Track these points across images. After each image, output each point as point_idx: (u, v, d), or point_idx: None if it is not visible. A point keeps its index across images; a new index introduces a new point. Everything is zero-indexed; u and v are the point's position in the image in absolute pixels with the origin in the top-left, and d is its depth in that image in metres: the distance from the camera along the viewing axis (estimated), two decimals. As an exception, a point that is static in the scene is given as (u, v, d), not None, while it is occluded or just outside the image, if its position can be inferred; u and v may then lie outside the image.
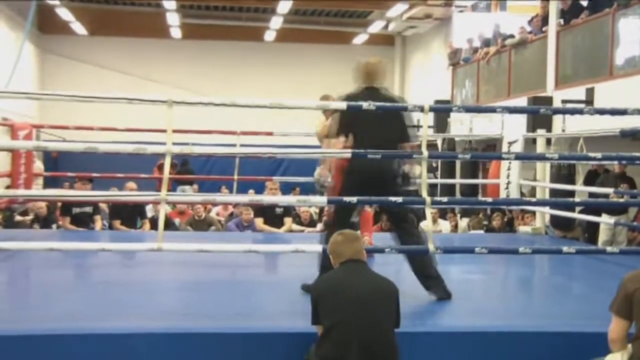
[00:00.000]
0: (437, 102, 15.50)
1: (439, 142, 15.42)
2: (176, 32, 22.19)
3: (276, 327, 4.25)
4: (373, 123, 5.25)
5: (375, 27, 21.62)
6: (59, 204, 10.41)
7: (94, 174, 9.78)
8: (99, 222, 9.51)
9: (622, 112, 5.34)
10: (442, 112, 14.41)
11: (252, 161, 13.38)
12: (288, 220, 9.65)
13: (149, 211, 10.57)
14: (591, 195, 9.00)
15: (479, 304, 5.23)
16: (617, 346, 3.67)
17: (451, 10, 19.31)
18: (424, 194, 5.25)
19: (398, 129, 5.31)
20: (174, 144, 5.15)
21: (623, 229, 9.58)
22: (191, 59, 22.51)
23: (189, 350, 4.07)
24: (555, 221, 9.79)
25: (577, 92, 11.29)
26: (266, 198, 7.19)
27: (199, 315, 4.64)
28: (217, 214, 12.09)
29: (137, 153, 5.32)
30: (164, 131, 5.21)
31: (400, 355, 3.83)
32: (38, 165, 13.15)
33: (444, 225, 11.29)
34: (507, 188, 9.40)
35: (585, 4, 12.12)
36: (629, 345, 3.67)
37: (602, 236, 9.62)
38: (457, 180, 11.69)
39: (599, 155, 5.46)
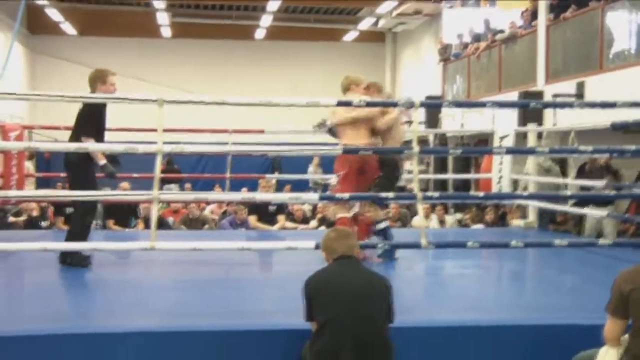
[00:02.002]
0: (428, 97, 15.53)
1: (431, 138, 15.45)
2: (166, 32, 22.16)
3: (271, 324, 4.26)
4: None
5: (365, 24, 21.62)
6: (48, 204, 10.42)
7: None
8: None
9: (612, 105, 5.38)
10: (432, 107, 14.44)
11: (244, 159, 13.38)
12: (281, 218, 9.67)
13: (143, 211, 10.56)
14: (582, 189, 9.03)
15: (473, 298, 5.25)
16: (614, 345, 3.69)
17: (441, 6, 19.31)
18: (416, 189, 5.27)
19: None
20: (165, 143, 5.16)
21: (610, 221, 9.61)
22: (182, 58, 22.47)
23: (183, 348, 4.07)
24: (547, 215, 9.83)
25: (568, 86, 11.33)
26: (259, 196, 7.20)
27: (193, 314, 4.65)
28: (212, 212, 12.09)
29: (128, 152, 5.33)
30: (155, 130, 5.21)
31: (394, 351, 3.85)
32: (27, 166, 13.13)
33: (434, 220, 11.29)
34: (499, 182, 9.42)
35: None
36: (624, 338, 3.68)
37: (588, 228, 9.64)
38: (449, 176, 11.72)
39: (589, 148, 5.49)
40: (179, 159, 16.59)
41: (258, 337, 4.15)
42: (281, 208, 9.79)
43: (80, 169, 5.99)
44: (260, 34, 22.37)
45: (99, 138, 5.95)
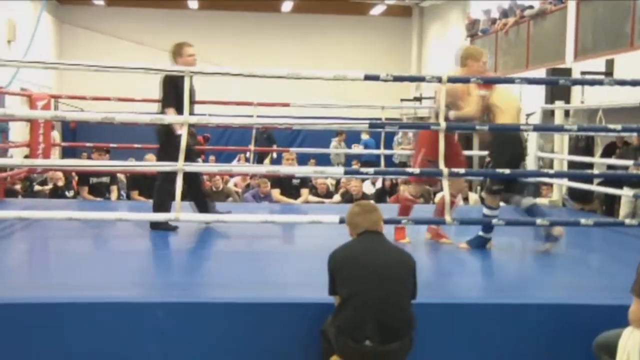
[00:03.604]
0: (454, 73, 15.39)
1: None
2: (193, 3, 22.11)
3: (293, 298, 4.27)
4: None
5: (393, -3, 21.47)
6: (74, 174, 10.49)
7: (112, 145, 9.81)
8: (114, 192, 9.56)
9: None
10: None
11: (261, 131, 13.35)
12: (305, 192, 9.66)
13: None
14: (610, 167, 8.94)
15: (496, 276, 5.23)
16: (639, 326, 3.65)
17: (469, -19, 19.13)
18: (441, 165, 5.23)
19: None
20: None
21: (645, 201, 9.52)
22: (208, 30, 22.43)
23: (206, 319, 4.09)
24: (573, 194, 9.74)
25: (597, 64, 11.18)
26: (283, 169, 7.19)
27: (216, 285, 4.67)
28: (235, 185, 12.12)
29: (154, 123, 5.34)
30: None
31: (416, 326, 3.85)
32: (54, 136, 13.23)
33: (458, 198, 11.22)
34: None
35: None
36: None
37: (624, 209, 9.54)
38: (474, 152, 11.60)
39: (618, 126, 5.41)
40: (204, 132, 16.63)
41: (280, 309, 4.15)
42: (304, 182, 9.78)
43: (165, 139, 6.15)
44: (287, 6, 22.27)
45: (182, 108, 5.86)
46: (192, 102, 6.22)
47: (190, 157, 6.16)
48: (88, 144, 11.17)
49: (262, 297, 4.25)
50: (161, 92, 6.24)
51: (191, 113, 6.08)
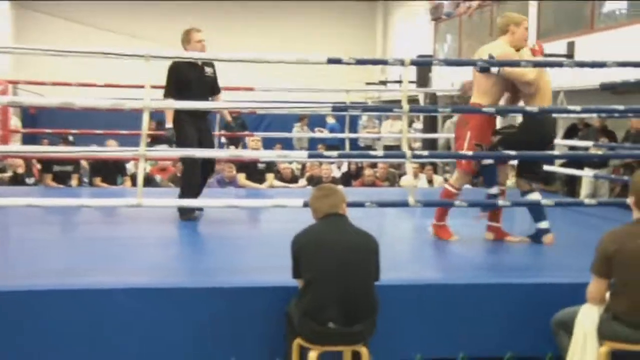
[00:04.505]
0: (419, 57, 15.42)
1: (421, 97, 15.38)
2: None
3: (257, 282, 4.27)
4: None
5: (357, -19, 21.40)
6: (34, 161, 10.35)
7: (73, 131, 9.69)
8: (75, 180, 9.47)
9: (602, 65, 5.33)
10: (422, 65, 14.31)
11: (233, 117, 13.27)
12: (270, 176, 9.65)
13: (131, 168, 10.52)
14: (571, 148, 9.03)
15: (459, 257, 5.27)
16: (597, 304, 3.73)
17: (433, -36, 19.12)
18: (405, 147, 5.25)
19: None
20: (154, 100, 5.10)
21: (605, 182, 9.64)
22: (172, 17, 22.04)
23: (170, 305, 4.08)
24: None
25: (558, 46, 11.26)
26: (246, 153, 7.18)
27: (180, 270, 4.66)
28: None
29: (115, 109, 5.28)
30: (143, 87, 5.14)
31: (379, 308, 3.88)
32: (14, 122, 13.03)
33: (423, 180, 11.29)
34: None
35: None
36: (606, 296, 3.72)
37: (584, 189, 9.68)
38: (438, 135, 11.69)
39: (578, 108, 5.46)
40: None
41: (244, 293, 4.16)
42: (270, 166, 9.76)
43: (175, 128, 6.18)
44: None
45: (189, 96, 5.97)
46: (205, 89, 6.30)
47: (207, 140, 6.35)
48: (48, 131, 11.03)
49: (227, 282, 4.24)
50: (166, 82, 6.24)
51: (207, 99, 6.27)
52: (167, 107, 6.13)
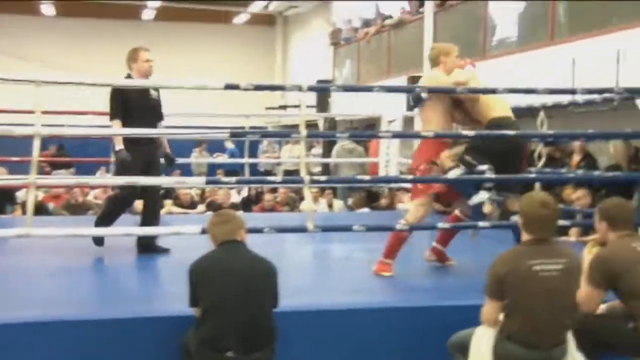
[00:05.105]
0: (318, 82, 15.55)
1: (321, 122, 15.50)
2: (48, 9, 21.30)
3: (152, 311, 4.17)
4: None
5: (256, 6, 21.49)
6: None
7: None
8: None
9: (492, 92, 5.49)
10: (320, 91, 14.44)
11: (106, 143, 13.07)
12: (168, 203, 9.51)
13: (22, 197, 10.16)
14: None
15: (357, 282, 5.29)
16: (491, 326, 3.81)
17: (332, -10, 19.43)
18: (303, 173, 5.25)
19: None
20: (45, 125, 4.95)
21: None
22: (63, 38, 21.64)
23: (58, 339, 3.93)
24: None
25: (453, 72, 11.56)
26: (143, 180, 7.01)
27: (70, 302, 4.49)
28: (95, 198, 11.74)
29: (4, 135, 5.08)
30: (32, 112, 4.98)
31: (278, 335, 3.84)
32: None
33: (323, 204, 11.36)
34: (386, 166, 9.55)
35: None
36: (499, 318, 3.80)
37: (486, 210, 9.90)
38: (337, 160, 11.79)
39: (471, 133, 5.60)
40: (69, 144, 16.04)
41: (138, 324, 4.04)
42: (168, 192, 9.62)
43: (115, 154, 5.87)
44: (149, 14, 21.86)
45: (132, 121, 5.69)
46: (151, 113, 5.96)
47: (153, 169, 5.96)
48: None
49: (119, 312, 4.13)
50: (109, 105, 5.88)
51: (153, 126, 5.89)
52: (64, 135, 5.93)
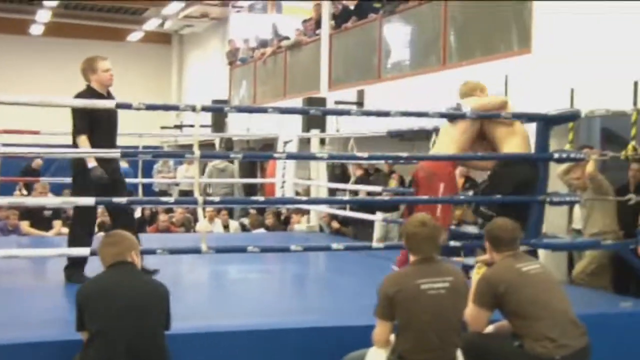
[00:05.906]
0: (214, 102, 15.46)
1: (217, 142, 15.41)
2: None
3: (36, 337, 3.99)
4: None
5: (151, 24, 21.22)
6: None
7: None
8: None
9: (386, 114, 5.57)
10: (214, 112, 14.31)
11: (19, 162, 12.62)
12: (57, 223, 9.22)
13: None
14: (367, 193, 9.35)
15: (252, 303, 5.25)
16: (383, 346, 3.84)
17: (228, 10, 19.39)
18: (197, 194, 5.18)
19: None
20: None
21: (395, 226, 10.05)
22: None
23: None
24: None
25: (350, 94, 11.73)
26: (29, 200, 6.81)
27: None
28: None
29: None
30: None
31: (170, 358, 3.75)
32: None
33: (218, 225, 11.26)
34: (282, 187, 9.56)
35: (353, 9, 12.63)
36: (391, 338, 3.84)
37: (377, 233, 10.02)
38: (234, 180, 11.74)
39: (365, 154, 5.66)
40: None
41: (23, 351, 3.87)
42: (58, 213, 9.32)
43: (76, 171, 5.46)
44: (37, 29, 21.22)
45: (99, 135, 5.35)
46: (115, 126, 5.65)
47: (116, 190, 5.49)
48: None
49: (3, 338, 3.93)
50: (71, 120, 5.46)
51: (111, 142, 5.53)
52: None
